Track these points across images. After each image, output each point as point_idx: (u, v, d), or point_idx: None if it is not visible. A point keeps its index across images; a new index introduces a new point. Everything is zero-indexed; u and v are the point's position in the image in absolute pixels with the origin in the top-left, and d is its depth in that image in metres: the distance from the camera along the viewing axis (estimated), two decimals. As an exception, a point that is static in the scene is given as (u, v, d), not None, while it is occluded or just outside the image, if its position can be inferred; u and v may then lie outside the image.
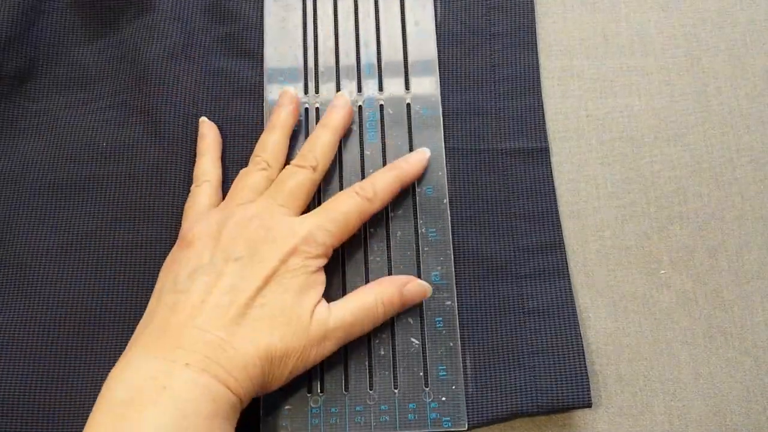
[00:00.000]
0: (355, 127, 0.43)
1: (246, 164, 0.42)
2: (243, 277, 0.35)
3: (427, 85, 0.45)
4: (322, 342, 0.36)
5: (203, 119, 0.44)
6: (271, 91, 0.45)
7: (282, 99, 0.43)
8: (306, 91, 0.45)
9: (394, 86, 0.44)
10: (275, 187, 0.39)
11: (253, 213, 0.37)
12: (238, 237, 0.36)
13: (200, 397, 0.32)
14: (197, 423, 0.31)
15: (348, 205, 0.39)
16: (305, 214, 0.39)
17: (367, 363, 0.39)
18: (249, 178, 0.40)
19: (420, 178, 0.42)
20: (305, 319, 0.35)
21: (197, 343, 0.33)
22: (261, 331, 0.34)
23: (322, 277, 0.37)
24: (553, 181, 0.43)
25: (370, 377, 0.39)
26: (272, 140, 0.41)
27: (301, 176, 0.39)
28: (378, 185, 0.40)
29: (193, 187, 0.42)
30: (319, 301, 0.37)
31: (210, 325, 0.34)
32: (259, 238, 0.36)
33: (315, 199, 0.41)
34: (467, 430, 0.38)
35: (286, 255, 0.36)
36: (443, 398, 0.38)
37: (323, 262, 0.38)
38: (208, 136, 0.43)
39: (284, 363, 0.35)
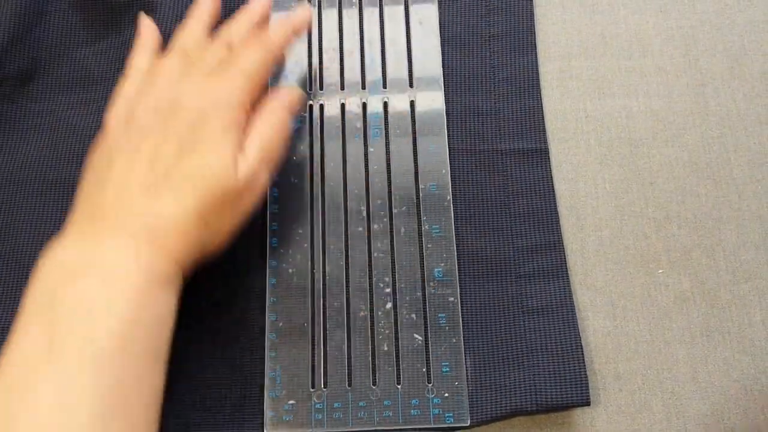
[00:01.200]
0: (359, 125, 0.44)
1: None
2: (160, 148, 0.36)
3: (430, 85, 0.45)
4: (252, 181, 0.36)
5: (142, 15, 0.43)
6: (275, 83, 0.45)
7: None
8: (310, 95, 0.45)
9: (398, 85, 0.45)
10: (185, 59, 0.39)
11: (163, 86, 0.38)
12: (150, 112, 0.37)
13: (132, 269, 0.32)
14: (130, 292, 0.32)
15: (251, 62, 0.39)
16: (211, 78, 0.38)
17: (370, 359, 0.39)
18: (164, 61, 0.40)
19: (424, 176, 0.42)
20: (230, 169, 0.36)
21: (127, 218, 0.34)
22: (186, 192, 0.35)
23: (239, 133, 0.37)
24: (552, 182, 0.44)
25: (374, 373, 0.39)
26: (188, 29, 0.42)
27: (213, 48, 0.40)
28: (261, 36, 0.40)
29: (120, 79, 0.41)
30: (239, 152, 0.37)
31: (136, 199, 0.34)
32: (170, 109, 0.37)
33: (317, 203, 0.42)
34: (468, 427, 0.38)
35: (198, 120, 0.36)
36: (446, 394, 0.38)
37: (240, 118, 0.37)
38: (144, 34, 0.43)
39: (219, 218, 0.36)
